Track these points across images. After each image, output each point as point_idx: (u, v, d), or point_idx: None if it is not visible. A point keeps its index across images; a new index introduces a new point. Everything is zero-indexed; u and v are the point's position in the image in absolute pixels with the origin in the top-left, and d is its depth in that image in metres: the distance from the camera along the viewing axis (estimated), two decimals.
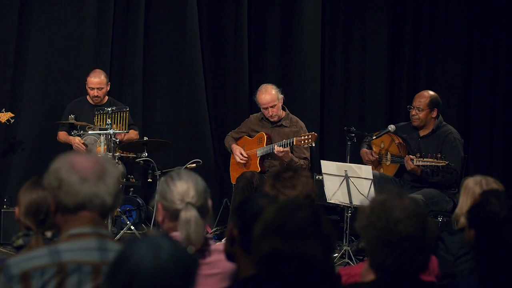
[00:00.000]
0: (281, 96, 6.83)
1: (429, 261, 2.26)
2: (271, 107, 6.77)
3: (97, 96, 7.18)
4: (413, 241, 2.17)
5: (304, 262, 2.06)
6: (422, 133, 6.46)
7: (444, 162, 6.02)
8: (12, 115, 6.94)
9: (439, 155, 6.07)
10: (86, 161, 2.26)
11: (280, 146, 6.60)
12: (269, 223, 2.12)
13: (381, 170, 6.58)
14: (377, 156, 6.60)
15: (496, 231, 2.59)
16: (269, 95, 6.78)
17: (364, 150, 6.66)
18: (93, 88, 7.17)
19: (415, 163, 6.11)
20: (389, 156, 6.53)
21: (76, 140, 6.93)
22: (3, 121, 6.90)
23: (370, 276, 2.30)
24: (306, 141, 6.49)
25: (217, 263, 2.80)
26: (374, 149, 6.65)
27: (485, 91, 8.21)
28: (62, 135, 7.18)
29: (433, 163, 6.06)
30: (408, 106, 6.54)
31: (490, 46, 8.21)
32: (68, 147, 6.94)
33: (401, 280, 2.20)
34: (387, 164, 6.54)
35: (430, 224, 2.22)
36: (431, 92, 6.49)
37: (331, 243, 2.13)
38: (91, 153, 6.57)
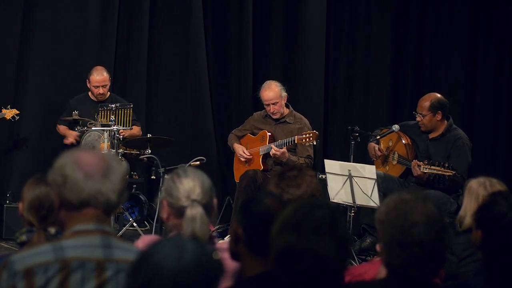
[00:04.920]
0: (284, 94, 6.85)
1: (439, 269, 2.24)
2: (273, 104, 6.81)
3: (101, 94, 7.18)
4: (424, 247, 2.16)
5: (317, 260, 2.06)
6: (432, 135, 6.43)
7: (451, 172, 5.95)
8: (17, 112, 6.94)
9: (446, 164, 6.01)
10: (91, 158, 2.25)
11: (279, 146, 6.63)
12: (287, 220, 2.14)
13: (387, 168, 6.56)
14: (385, 153, 6.57)
15: (504, 232, 2.58)
16: (272, 91, 6.81)
17: (372, 144, 6.63)
18: (97, 86, 7.16)
19: (422, 170, 6.07)
20: (396, 155, 6.51)
21: (71, 137, 6.93)
22: (8, 117, 6.90)
23: (384, 274, 2.30)
24: (307, 139, 6.50)
25: None
26: (382, 144, 6.63)
27: (489, 90, 8.19)
28: (61, 128, 7.18)
29: (440, 172, 6.01)
30: (413, 112, 6.50)
31: (494, 45, 8.20)
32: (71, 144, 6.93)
33: (409, 281, 2.18)
34: (394, 163, 6.53)
35: (447, 234, 2.20)
36: (433, 95, 6.43)
37: (346, 244, 2.12)
38: (96, 149, 6.57)
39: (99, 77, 7.16)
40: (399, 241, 2.16)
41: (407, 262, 2.16)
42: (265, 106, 6.89)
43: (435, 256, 2.18)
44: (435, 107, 6.33)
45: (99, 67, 7.24)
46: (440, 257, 2.19)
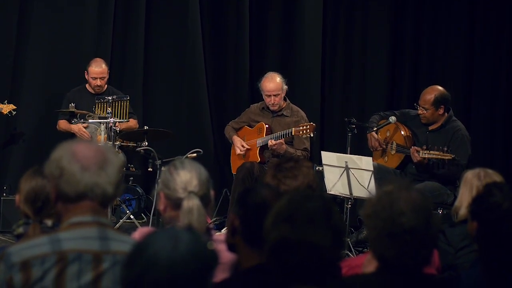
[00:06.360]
0: (285, 87, 6.85)
1: (431, 255, 2.24)
2: (274, 95, 6.80)
3: (99, 86, 7.16)
4: (415, 234, 2.16)
5: (312, 251, 2.06)
6: (431, 127, 6.41)
7: (450, 156, 5.98)
8: (14, 107, 6.91)
9: (445, 148, 6.03)
10: (87, 150, 2.25)
11: (276, 138, 6.63)
12: (280, 212, 2.14)
13: (386, 159, 6.55)
14: (384, 146, 6.56)
15: (499, 223, 2.59)
16: (274, 83, 6.81)
17: (373, 134, 6.60)
18: (95, 78, 7.14)
19: (421, 155, 6.08)
20: (394, 145, 6.50)
21: (79, 127, 6.91)
22: (5, 112, 6.89)
23: (372, 266, 2.29)
24: (304, 131, 6.50)
25: None
26: (380, 135, 6.61)
27: (486, 83, 8.19)
28: (62, 124, 7.16)
29: (439, 156, 6.02)
30: (415, 104, 6.48)
31: (492, 38, 8.20)
32: (67, 136, 6.91)
33: (403, 272, 2.19)
34: (392, 153, 6.52)
35: (434, 219, 2.21)
36: (437, 89, 6.38)
37: (341, 234, 2.13)
38: (93, 141, 6.56)
39: (98, 68, 7.15)
40: (389, 232, 2.16)
41: (399, 252, 2.16)
42: (265, 97, 6.88)
43: (426, 243, 2.18)
44: (438, 102, 6.30)
45: (98, 59, 7.23)
46: (431, 243, 2.20)
